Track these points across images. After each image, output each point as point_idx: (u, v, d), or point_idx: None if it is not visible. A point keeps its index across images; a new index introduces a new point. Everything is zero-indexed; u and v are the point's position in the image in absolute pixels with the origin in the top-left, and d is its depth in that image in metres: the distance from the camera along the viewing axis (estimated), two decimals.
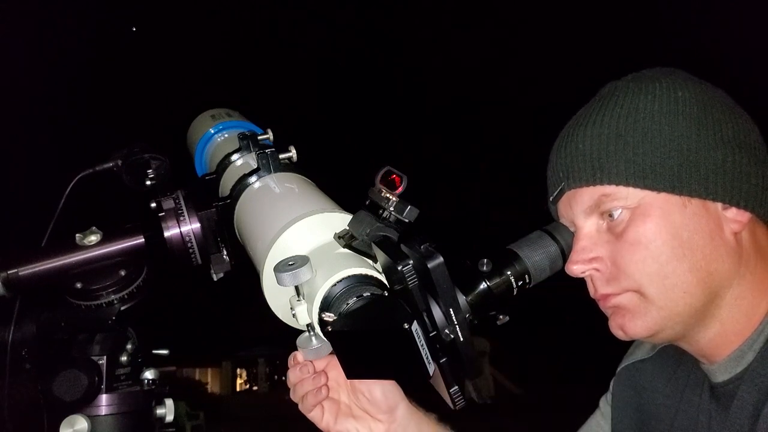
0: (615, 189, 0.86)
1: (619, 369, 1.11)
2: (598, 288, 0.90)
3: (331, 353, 0.84)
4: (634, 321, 0.87)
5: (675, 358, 1.01)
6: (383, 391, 1.03)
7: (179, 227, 1.03)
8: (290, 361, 1.01)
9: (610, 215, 0.87)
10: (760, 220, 0.89)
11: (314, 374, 1.01)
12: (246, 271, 0.99)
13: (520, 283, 0.89)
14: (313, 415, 1.03)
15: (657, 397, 1.01)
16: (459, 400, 0.74)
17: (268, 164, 1.02)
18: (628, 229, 0.86)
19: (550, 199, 0.96)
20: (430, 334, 0.72)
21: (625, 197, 0.86)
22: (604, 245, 0.88)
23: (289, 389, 1.04)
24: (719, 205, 0.85)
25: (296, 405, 1.03)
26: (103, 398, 1.01)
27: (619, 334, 0.90)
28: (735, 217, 0.85)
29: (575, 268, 0.90)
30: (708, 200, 0.85)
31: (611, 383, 1.12)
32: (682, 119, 0.85)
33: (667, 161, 0.84)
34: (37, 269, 1.02)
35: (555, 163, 0.94)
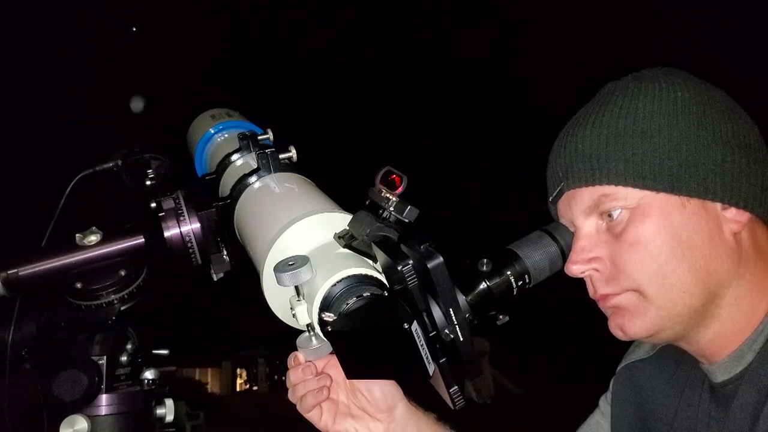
0: (614, 189, 0.86)
1: (618, 368, 1.11)
2: (598, 288, 0.90)
3: (330, 353, 0.84)
4: (634, 321, 0.87)
5: (675, 357, 1.01)
6: (382, 391, 1.02)
7: (179, 227, 1.03)
8: (290, 361, 1.01)
9: (610, 215, 0.87)
10: (759, 220, 0.89)
11: (317, 375, 1.00)
12: (246, 271, 0.99)
13: (520, 283, 0.89)
14: (311, 416, 1.03)
15: (657, 396, 1.01)
16: (459, 400, 0.74)
17: (268, 164, 1.02)
18: (628, 229, 0.86)
19: (550, 200, 0.96)
20: (430, 334, 0.72)
21: (624, 197, 0.86)
22: (604, 245, 0.88)
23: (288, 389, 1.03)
24: (718, 205, 0.85)
25: (296, 405, 1.03)
26: (103, 398, 1.01)
27: (618, 334, 0.90)
28: (734, 217, 0.85)
29: (575, 268, 0.90)
30: (707, 200, 0.85)
31: (611, 382, 1.12)
32: (681, 119, 0.85)
33: (666, 161, 0.84)
34: (37, 269, 1.02)
35: (554, 164, 0.94)
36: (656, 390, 1.02)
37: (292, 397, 1.02)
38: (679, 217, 0.84)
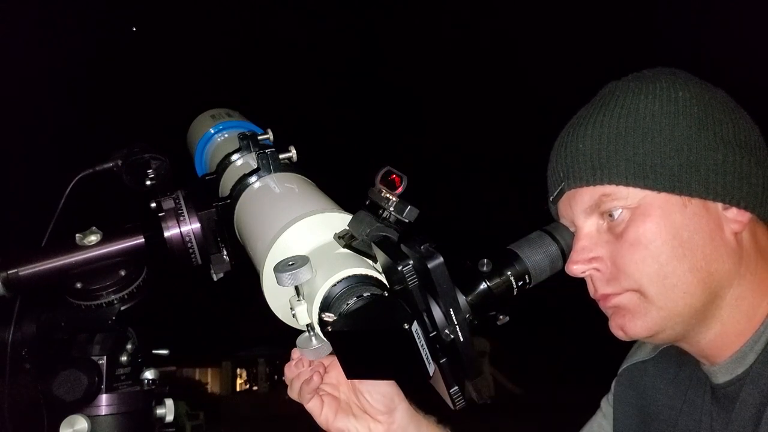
0: (615, 189, 0.86)
1: (620, 370, 1.11)
2: (598, 288, 0.90)
3: (330, 353, 0.84)
4: (635, 321, 0.87)
5: (677, 359, 1.01)
6: (383, 393, 1.03)
7: (179, 227, 1.03)
8: (292, 355, 1.02)
9: (611, 215, 0.87)
10: (760, 220, 0.89)
11: (309, 367, 1.01)
12: (246, 271, 0.99)
13: (520, 284, 0.89)
14: (312, 407, 1.03)
15: (659, 398, 1.01)
16: (459, 401, 0.74)
17: (268, 164, 1.02)
18: (628, 229, 0.86)
19: (551, 199, 0.96)
20: (430, 335, 0.72)
21: (625, 197, 0.86)
22: (604, 245, 0.88)
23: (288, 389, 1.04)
24: (719, 205, 0.85)
25: (296, 404, 1.03)
26: (103, 398, 1.01)
27: (619, 334, 0.90)
28: (735, 217, 0.85)
29: (575, 268, 0.90)
30: (708, 200, 0.85)
31: (612, 384, 1.12)
32: (682, 119, 0.85)
33: (667, 161, 0.84)
34: (37, 269, 1.02)
35: (555, 163, 0.94)
36: (659, 391, 1.02)
37: (290, 392, 1.03)
38: (680, 217, 0.84)
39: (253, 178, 1.02)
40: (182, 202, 1.05)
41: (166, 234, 1.03)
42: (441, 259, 0.70)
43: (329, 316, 0.75)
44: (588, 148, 0.88)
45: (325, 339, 0.79)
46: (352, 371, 0.75)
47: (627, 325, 0.88)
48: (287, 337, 0.92)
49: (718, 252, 0.85)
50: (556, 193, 0.93)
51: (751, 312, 0.86)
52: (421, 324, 0.70)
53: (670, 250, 0.84)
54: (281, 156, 1.05)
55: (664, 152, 0.84)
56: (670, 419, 0.98)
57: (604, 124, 0.87)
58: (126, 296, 1.06)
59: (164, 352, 1.13)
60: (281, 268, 0.77)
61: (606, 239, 0.88)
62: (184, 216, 1.03)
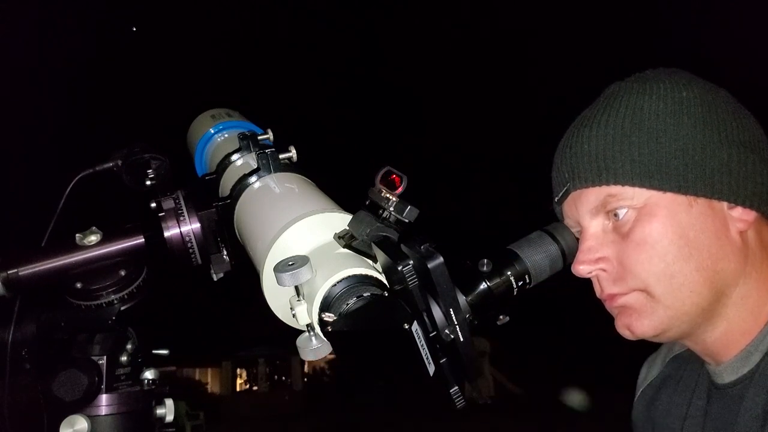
0: (621, 189, 0.86)
1: (635, 400, 1.11)
2: (605, 288, 0.90)
3: (330, 353, 0.84)
4: (641, 320, 0.87)
5: (682, 365, 1.01)
6: None
7: (179, 227, 1.03)
8: None
9: (616, 215, 0.87)
10: (765, 219, 0.89)
11: None
12: (246, 271, 0.99)
13: (520, 284, 0.89)
14: None
15: (667, 407, 1.02)
16: (459, 400, 0.74)
17: (268, 164, 1.02)
18: (635, 228, 0.86)
19: (555, 200, 0.96)
20: (430, 335, 0.72)
21: (631, 197, 0.86)
22: (610, 245, 0.88)
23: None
24: (725, 204, 0.85)
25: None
26: (103, 398, 1.01)
27: (625, 333, 0.90)
28: (741, 216, 0.85)
29: (582, 269, 0.90)
30: (714, 200, 0.85)
31: (632, 416, 1.12)
32: (686, 119, 0.85)
33: (672, 161, 0.84)
34: (37, 269, 1.02)
35: (560, 164, 0.94)
36: (666, 402, 1.02)
37: None
38: (686, 217, 0.84)
39: (253, 178, 1.02)
40: (182, 202, 1.05)
41: (166, 234, 1.03)
42: (441, 259, 0.70)
43: (329, 316, 0.75)
44: (593, 149, 0.88)
45: (325, 339, 0.79)
46: (352, 371, 0.75)
47: (634, 325, 0.88)
48: (287, 337, 0.92)
49: (724, 251, 0.85)
50: (561, 194, 0.93)
51: (757, 310, 0.86)
52: (421, 324, 0.70)
53: (676, 250, 0.84)
54: (281, 156, 1.05)
55: (669, 152, 0.84)
56: (677, 425, 0.98)
57: (609, 125, 0.87)
58: (126, 296, 1.05)
59: (164, 352, 1.13)
60: (281, 268, 0.77)
61: (612, 239, 0.88)
62: (184, 216, 1.03)
